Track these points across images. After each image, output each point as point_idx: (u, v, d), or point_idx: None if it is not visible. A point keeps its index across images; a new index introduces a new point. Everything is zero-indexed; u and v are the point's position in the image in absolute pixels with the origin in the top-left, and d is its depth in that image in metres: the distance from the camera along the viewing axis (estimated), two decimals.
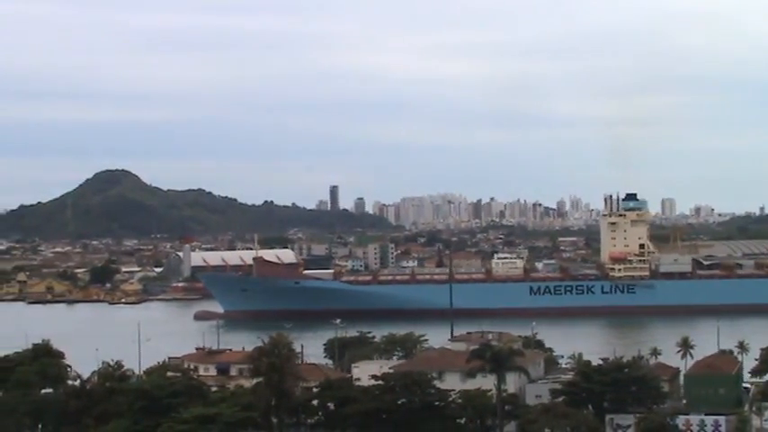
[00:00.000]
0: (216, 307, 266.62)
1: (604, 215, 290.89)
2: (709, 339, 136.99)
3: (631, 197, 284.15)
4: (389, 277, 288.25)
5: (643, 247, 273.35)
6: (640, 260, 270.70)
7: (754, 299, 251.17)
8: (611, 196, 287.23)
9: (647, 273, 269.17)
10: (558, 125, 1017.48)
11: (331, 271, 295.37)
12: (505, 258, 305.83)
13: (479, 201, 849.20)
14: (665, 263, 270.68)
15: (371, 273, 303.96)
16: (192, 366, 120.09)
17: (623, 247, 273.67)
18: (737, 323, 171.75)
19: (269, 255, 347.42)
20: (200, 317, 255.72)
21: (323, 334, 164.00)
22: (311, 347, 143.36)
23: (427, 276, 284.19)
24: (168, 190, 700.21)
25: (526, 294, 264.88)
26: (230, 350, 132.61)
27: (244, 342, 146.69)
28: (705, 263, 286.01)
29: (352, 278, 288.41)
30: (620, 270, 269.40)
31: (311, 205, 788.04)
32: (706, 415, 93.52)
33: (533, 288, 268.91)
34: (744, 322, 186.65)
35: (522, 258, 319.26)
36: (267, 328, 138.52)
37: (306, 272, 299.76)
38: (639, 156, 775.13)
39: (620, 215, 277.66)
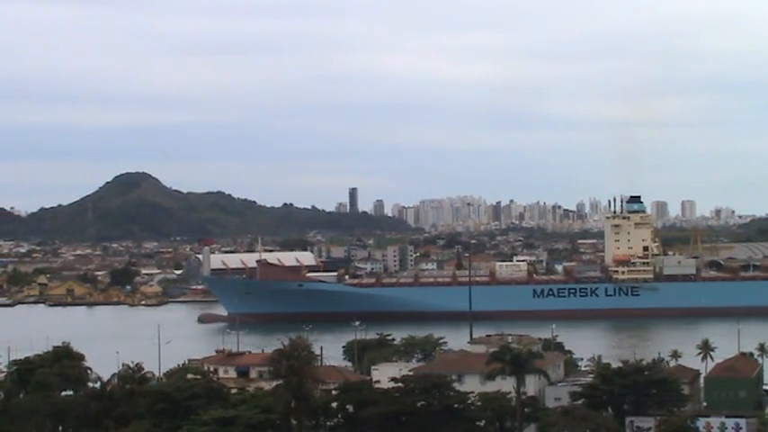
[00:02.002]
0: (221, 310, 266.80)
1: (608, 217, 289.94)
2: (717, 342, 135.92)
3: (635, 200, 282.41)
4: (393, 280, 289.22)
5: (647, 250, 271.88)
6: (644, 263, 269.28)
7: (759, 301, 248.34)
8: (614, 199, 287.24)
9: (650, 275, 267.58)
10: (578, 128, 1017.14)
11: (335, 273, 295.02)
12: (511, 261, 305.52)
13: (499, 203, 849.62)
14: (668, 265, 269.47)
15: (375, 275, 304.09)
16: (211, 369, 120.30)
17: (627, 250, 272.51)
18: (750, 326, 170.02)
19: (288, 257, 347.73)
20: (204, 320, 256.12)
21: (342, 336, 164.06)
22: (330, 350, 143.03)
23: (431, 279, 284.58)
24: (188, 192, 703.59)
25: (529, 297, 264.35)
26: (250, 353, 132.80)
27: (252, 344, 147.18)
28: (723, 264, 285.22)
29: (355, 281, 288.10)
30: (623, 273, 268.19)
31: (330, 208, 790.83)
32: (726, 417, 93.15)
33: (536, 291, 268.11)
34: (758, 325, 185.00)
35: (527, 261, 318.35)
36: (271, 330, 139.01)
37: (309, 274, 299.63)
38: (659, 158, 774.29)
39: (624, 218, 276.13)
